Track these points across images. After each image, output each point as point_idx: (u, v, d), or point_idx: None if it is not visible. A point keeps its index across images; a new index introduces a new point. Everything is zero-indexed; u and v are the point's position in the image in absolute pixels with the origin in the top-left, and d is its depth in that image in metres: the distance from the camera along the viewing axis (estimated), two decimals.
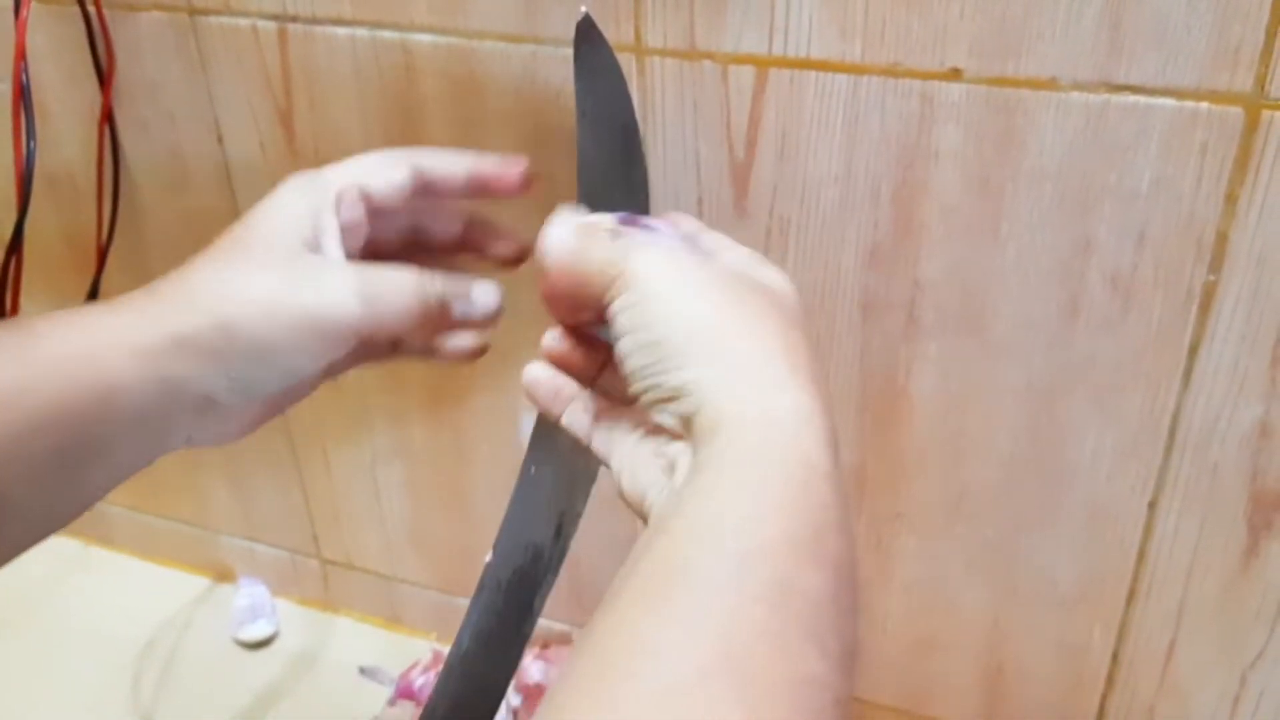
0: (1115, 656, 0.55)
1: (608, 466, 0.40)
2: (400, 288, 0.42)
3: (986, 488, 0.53)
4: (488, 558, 0.46)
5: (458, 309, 0.44)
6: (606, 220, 0.40)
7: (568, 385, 0.41)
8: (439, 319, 0.44)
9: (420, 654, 0.70)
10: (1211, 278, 0.44)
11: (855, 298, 0.50)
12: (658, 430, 0.37)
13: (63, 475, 0.38)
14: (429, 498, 0.69)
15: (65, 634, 0.76)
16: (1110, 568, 0.52)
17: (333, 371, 0.47)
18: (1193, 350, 0.46)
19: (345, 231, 0.44)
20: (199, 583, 0.80)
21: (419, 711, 0.66)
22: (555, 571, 0.47)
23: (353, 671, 0.70)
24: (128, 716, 0.69)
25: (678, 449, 0.35)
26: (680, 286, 0.35)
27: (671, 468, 0.35)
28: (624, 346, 0.36)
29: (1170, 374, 0.47)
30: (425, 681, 0.67)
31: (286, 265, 0.41)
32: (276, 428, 0.70)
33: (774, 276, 0.38)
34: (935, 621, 0.58)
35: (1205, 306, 0.45)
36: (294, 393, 0.46)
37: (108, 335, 0.39)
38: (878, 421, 0.53)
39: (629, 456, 0.38)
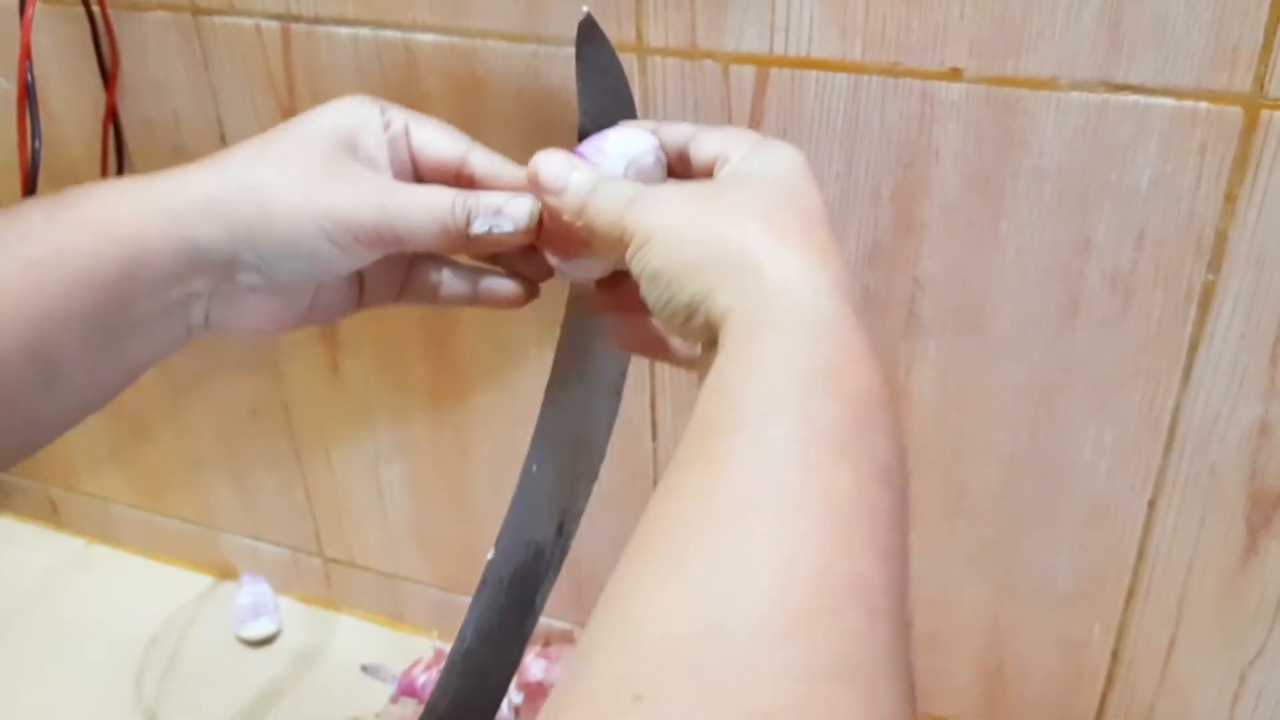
0: (1115, 654, 0.55)
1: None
2: (425, 202, 0.42)
3: (986, 486, 0.53)
4: (489, 555, 0.46)
5: (479, 225, 0.43)
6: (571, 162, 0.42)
7: (645, 327, 0.44)
8: (463, 235, 0.43)
9: (422, 652, 0.70)
10: (1211, 277, 0.45)
11: (855, 296, 0.50)
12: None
13: (102, 338, 0.39)
14: (431, 496, 0.69)
15: (69, 631, 0.76)
16: (1110, 566, 0.53)
17: (370, 296, 0.46)
18: (1192, 349, 0.46)
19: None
20: (202, 580, 0.80)
21: (421, 709, 0.66)
22: (557, 569, 0.47)
23: (355, 669, 0.71)
24: (131, 713, 0.70)
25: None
26: (680, 225, 0.36)
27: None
28: (643, 290, 0.37)
29: (1170, 373, 0.47)
30: (427, 679, 0.68)
31: (326, 164, 0.41)
32: (279, 427, 0.70)
33: (778, 152, 0.39)
34: (936, 619, 0.58)
35: (1204, 305, 0.45)
36: (327, 303, 0.46)
37: (141, 200, 0.40)
38: None
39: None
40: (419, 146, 0.45)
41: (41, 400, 0.39)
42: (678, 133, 0.43)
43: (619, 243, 0.38)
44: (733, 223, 0.36)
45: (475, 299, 0.47)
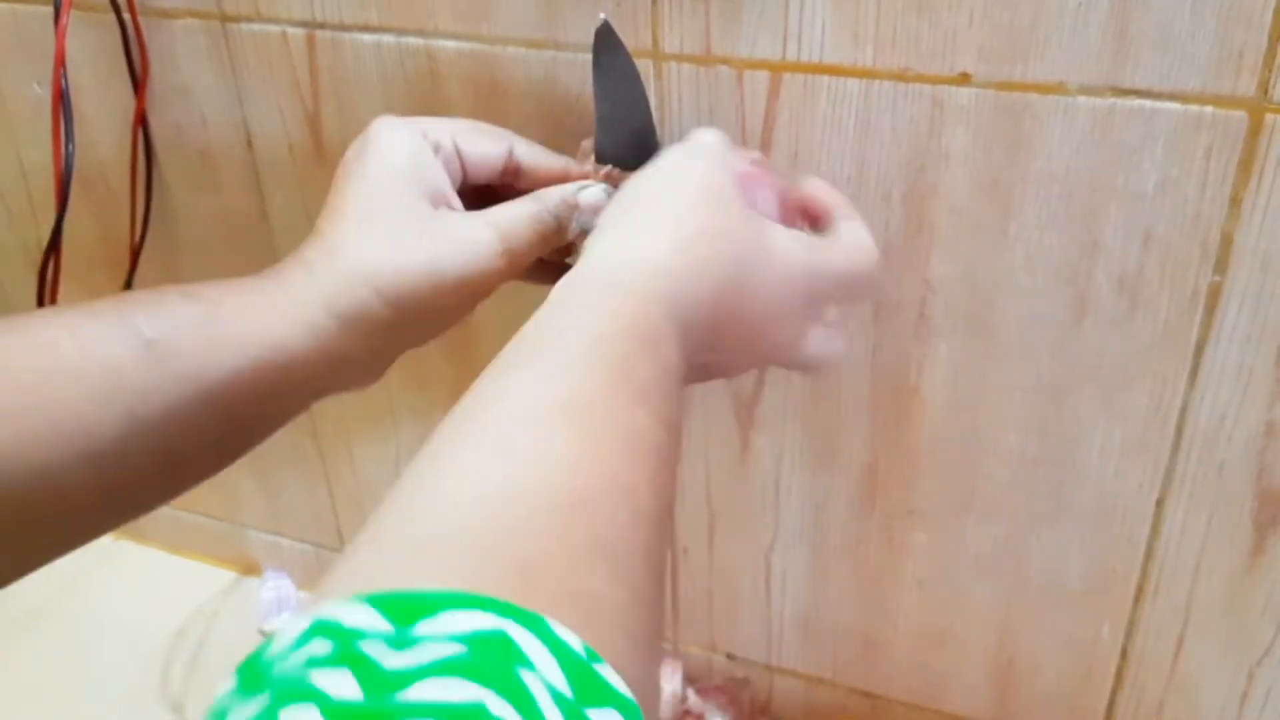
0: (1124, 652, 0.56)
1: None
2: (525, 223, 0.44)
3: (996, 484, 0.54)
4: None
5: (575, 223, 0.45)
6: None
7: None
8: (558, 239, 0.46)
9: None
10: (1217, 278, 0.45)
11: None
12: None
13: (236, 436, 0.42)
14: None
15: (97, 626, 0.77)
16: (1119, 564, 0.53)
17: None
18: (1199, 350, 0.47)
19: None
20: (226, 576, 0.81)
21: None
22: None
23: None
24: (158, 705, 0.71)
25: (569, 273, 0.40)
26: (670, 176, 0.42)
27: None
28: (614, 199, 0.43)
29: (1177, 373, 0.48)
30: None
31: (425, 227, 0.43)
32: (303, 425, 0.71)
33: (806, 257, 0.42)
34: (946, 617, 0.59)
35: (1211, 307, 0.46)
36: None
37: (283, 313, 0.41)
38: (889, 420, 0.54)
39: None
40: (468, 154, 0.46)
41: (161, 488, 0.41)
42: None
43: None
44: (684, 203, 0.40)
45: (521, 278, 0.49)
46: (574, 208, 0.45)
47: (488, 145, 0.46)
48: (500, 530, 0.27)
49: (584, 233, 0.45)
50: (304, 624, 0.23)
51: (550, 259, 0.49)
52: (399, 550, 0.27)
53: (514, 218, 0.44)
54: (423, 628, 0.22)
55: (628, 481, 0.30)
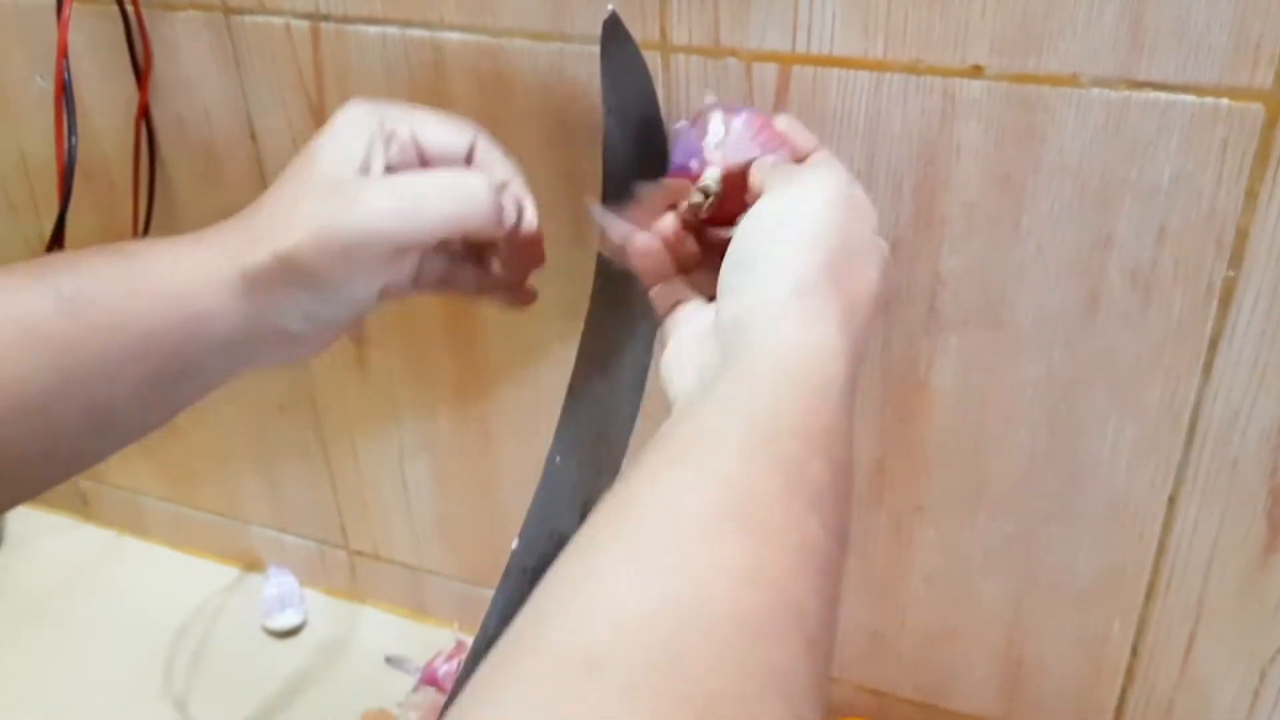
0: (1135, 650, 0.55)
1: (664, 346, 0.43)
2: (436, 189, 0.43)
3: (1006, 481, 0.53)
4: (514, 545, 0.47)
5: (508, 218, 0.44)
6: None
7: (668, 265, 0.44)
8: (494, 220, 0.44)
9: (444, 643, 0.70)
10: (1231, 273, 0.45)
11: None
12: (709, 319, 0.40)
13: (159, 389, 0.42)
14: (455, 490, 0.69)
15: (100, 621, 0.77)
16: (1130, 561, 0.53)
17: (391, 291, 0.47)
18: (1213, 345, 0.46)
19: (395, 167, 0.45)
20: (229, 572, 0.81)
21: (442, 699, 0.67)
22: None
23: (379, 660, 0.71)
24: (160, 702, 0.71)
25: (710, 349, 0.38)
26: (820, 206, 0.38)
27: (702, 369, 0.38)
28: (743, 226, 0.39)
29: (1190, 368, 0.47)
30: (448, 670, 0.68)
31: (333, 191, 0.42)
32: (306, 421, 0.71)
33: (875, 240, 0.40)
34: (955, 614, 0.59)
35: (1225, 301, 0.45)
36: (358, 315, 0.47)
37: (199, 268, 0.42)
38: (899, 414, 0.54)
39: (682, 342, 0.41)
40: (426, 143, 0.45)
41: (89, 443, 0.41)
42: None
43: (772, 180, 0.40)
44: (816, 239, 0.37)
45: (481, 288, 0.49)
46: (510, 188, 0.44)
47: (448, 136, 0.45)
48: (676, 654, 0.25)
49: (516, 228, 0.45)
50: None
51: (509, 272, 0.48)
52: (571, 671, 0.25)
53: (420, 180, 0.43)
54: None
55: (800, 603, 0.28)
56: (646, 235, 0.44)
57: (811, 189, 0.39)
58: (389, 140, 0.44)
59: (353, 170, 0.43)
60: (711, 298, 0.41)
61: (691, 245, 0.44)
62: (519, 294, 0.49)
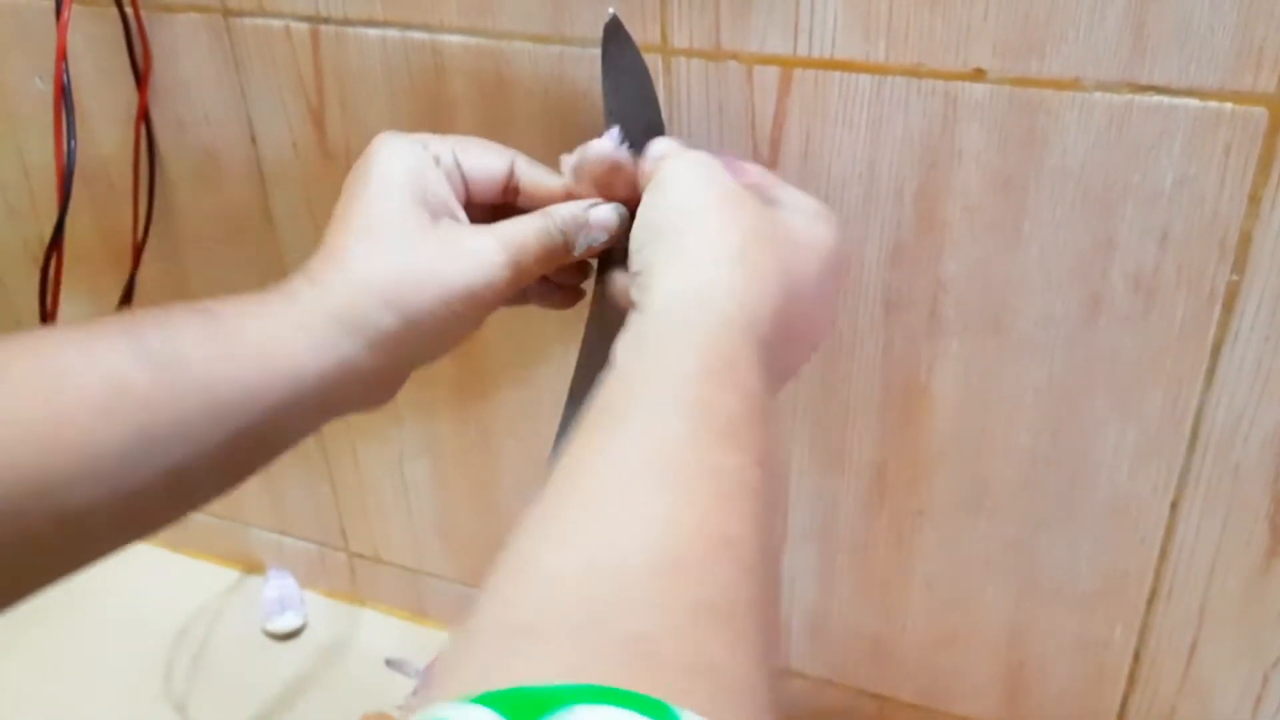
0: (1137, 655, 0.55)
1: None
2: (531, 236, 0.44)
3: (1007, 485, 0.53)
4: None
5: (582, 241, 0.45)
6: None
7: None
8: (564, 256, 0.45)
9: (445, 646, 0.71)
10: (1234, 278, 0.45)
11: (878, 296, 0.51)
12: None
13: (242, 453, 0.40)
14: (455, 493, 0.69)
15: (100, 623, 0.77)
16: (1132, 566, 0.53)
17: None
18: (1215, 350, 0.46)
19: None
20: (229, 574, 0.81)
21: None
22: None
23: (379, 662, 0.71)
24: (160, 704, 0.71)
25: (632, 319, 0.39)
26: (688, 190, 0.40)
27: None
28: (634, 229, 0.41)
29: (1193, 373, 0.47)
30: None
31: (428, 237, 0.42)
32: None
33: (810, 227, 0.42)
34: (956, 618, 0.58)
35: (1228, 306, 0.45)
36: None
37: (291, 328, 0.40)
38: (899, 419, 0.54)
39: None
40: (469, 168, 0.45)
41: (166, 510, 0.40)
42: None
43: (648, 180, 0.42)
44: (722, 213, 0.39)
45: (538, 301, 0.49)
46: (583, 225, 0.44)
47: (489, 160, 0.46)
48: (602, 606, 0.26)
49: (591, 250, 0.45)
50: None
51: (560, 280, 0.49)
52: (505, 638, 0.26)
53: (519, 230, 0.44)
54: None
55: (727, 533, 0.29)
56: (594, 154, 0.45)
57: (675, 174, 0.41)
58: (437, 163, 0.44)
59: (425, 210, 0.43)
60: None
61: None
62: (569, 295, 0.50)
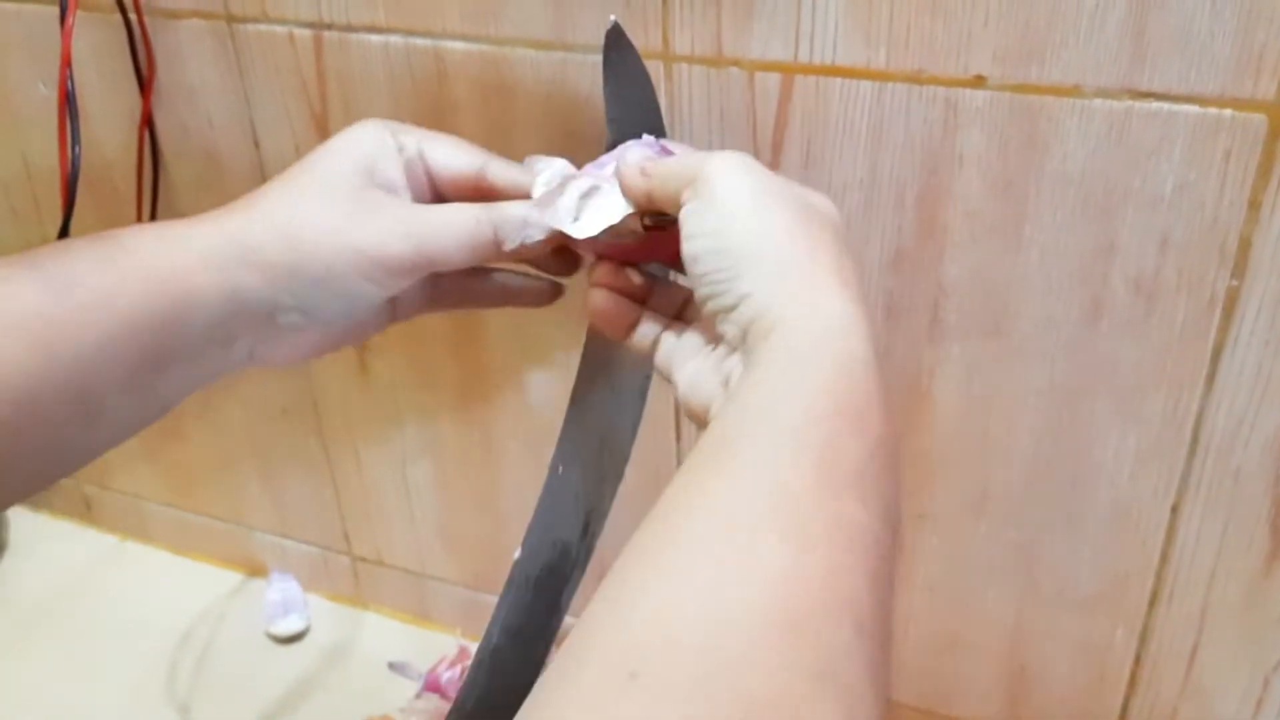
0: (1138, 658, 0.55)
1: (671, 383, 0.42)
2: (452, 224, 0.43)
3: (1009, 489, 0.53)
4: (516, 554, 0.47)
5: (512, 237, 0.44)
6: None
7: (630, 308, 0.44)
8: (495, 252, 0.44)
9: (447, 649, 0.71)
10: (1234, 283, 0.45)
11: (879, 300, 0.51)
12: (717, 340, 0.39)
13: (145, 377, 0.41)
14: (458, 496, 0.70)
15: (103, 626, 0.77)
16: (1133, 570, 0.53)
17: (402, 311, 0.48)
18: (1216, 354, 0.46)
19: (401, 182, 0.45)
20: (232, 577, 0.81)
21: (444, 705, 0.67)
22: (583, 568, 0.48)
23: (381, 666, 0.71)
24: (163, 707, 0.71)
25: (734, 363, 0.37)
26: (750, 196, 0.37)
27: (727, 380, 0.38)
28: (692, 249, 0.38)
29: (1193, 378, 0.47)
30: (451, 676, 0.68)
31: (350, 198, 0.43)
32: (309, 427, 0.71)
33: (821, 198, 0.40)
34: (958, 621, 0.59)
35: (1228, 311, 0.45)
36: (361, 326, 0.47)
37: (185, 248, 0.41)
38: (901, 423, 0.54)
39: (692, 371, 0.40)
40: (436, 166, 0.45)
41: (81, 434, 0.41)
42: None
43: (680, 188, 0.39)
44: (801, 226, 0.37)
45: (503, 300, 0.48)
46: (524, 223, 0.44)
47: (457, 158, 0.46)
48: (720, 659, 0.25)
49: (524, 246, 0.44)
50: None
51: (541, 273, 0.48)
52: (617, 683, 0.25)
53: (440, 217, 0.43)
54: None
55: (847, 590, 0.28)
56: (598, 294, 0.44)
57: (726, 180, 0.38)
58: (399, 152, 0.44)
59: (366, 178, 0.43)
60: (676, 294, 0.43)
61: (634, 275, 0.44)
62: (544, 293, 0.50)
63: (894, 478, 0.33)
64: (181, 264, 0.41)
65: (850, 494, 0.30)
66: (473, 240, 0.43)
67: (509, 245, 0.44)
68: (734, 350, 0.37)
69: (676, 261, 0.39)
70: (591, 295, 0.44)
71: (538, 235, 0.44)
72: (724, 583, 0.27)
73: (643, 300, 0.44)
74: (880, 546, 0.30)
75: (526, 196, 0.45)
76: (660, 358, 0.43)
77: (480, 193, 0.46)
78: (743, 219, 0.37)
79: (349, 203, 0.43)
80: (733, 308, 0.36)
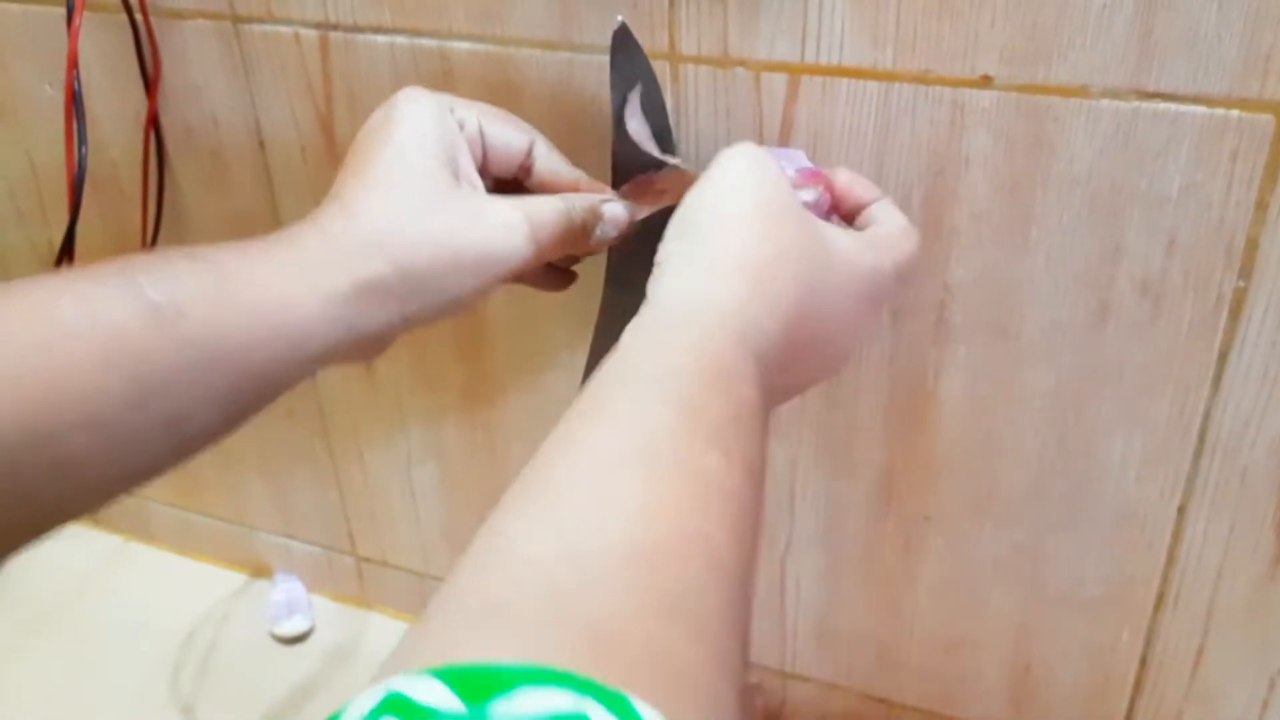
0: (1143, 660, 0.55)
1: None
2: (553, 215, 0.43)
3: (1015, 490, 0.53)
4: None
5: (599, 233, 0.45)
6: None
7: None
8: (580, 244, 0.45)
9: None
10: (1241, 284, 0.45)
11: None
12: None
13: (242, 402, 0.40)
14: (462, 496, 0.70)
15: (107, 627, 0.77)
16: (1139, 571, 0.53)
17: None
18: (1222, 356, 0.46)
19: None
20: (236, 578, 0.81)
21: None
22: None
23: None
24: (168, 708, 0.71)
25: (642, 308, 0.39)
26: (733, 195, 0.40)
27: None
28: (674, 216, 0.40)
29: (1200, 379, 0.47)
30: None
31: (449, 201, 0.42)
32: (313, 427, 0.71)
33: (860, 255, 0.41)
34: (963, 623, 0.59)
35: (1235, 312, 0.45)
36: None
37: (298, 280, 0.39)
38: (907, 424, 0.54)
39: None
40: (491, 138, 0.45)
41: (165, 457, 0.39)
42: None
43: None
44: (752, 222, 0.39)
45: (520, 279, 0.48)
46: (598, 217, 0.45)
47: (512, 134, 0.46)
48: (571, 591, 0.26)
49: (601, 239, 0.45)
50: (376, 698, 0.22)
51: (561, 264, 0.49)
52: (470, 616, 0.26)
53: (543, 208, 0.43)
54: (498, 707, 0.21)
55: (703, 531, 0.29)
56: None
57: (723, 167, 0.40)
58: (461, 128, 0.44)
59: (447, 171, 0.42)
60: None
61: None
62: (561, 278, 0.50)
63: (760, 441, 0.34)
64: (294, 300, 0.39)
65: (712, 446, 0.32)
66: (568, 234, 0.44)
67: (594, 241, 0.45)
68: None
69: None
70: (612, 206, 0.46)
71: (613, 233, 0.45)
72: (579, 518, 0.28)
73: None
74: (740, 498, 0.31)
75: (565, 183, 0.46)
76: None
77: (522, 170, 0.46)
78: (713, 199, 0.39)
79: (446, 204, 0.41)
80: (657, 263, 0.39)
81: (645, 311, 0.37)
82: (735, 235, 0.39)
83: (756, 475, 0.33)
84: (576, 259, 0.50)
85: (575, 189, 0.46)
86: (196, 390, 0.38)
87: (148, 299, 0.37)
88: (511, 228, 0.42)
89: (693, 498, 0.30)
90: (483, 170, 0.45)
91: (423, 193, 0.41)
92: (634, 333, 0.36)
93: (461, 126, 0.44)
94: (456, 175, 0.43)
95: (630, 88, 0.46)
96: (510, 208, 0.43)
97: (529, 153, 0.46)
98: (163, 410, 0.37)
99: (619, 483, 0.30)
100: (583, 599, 0.26)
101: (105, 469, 0.37)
